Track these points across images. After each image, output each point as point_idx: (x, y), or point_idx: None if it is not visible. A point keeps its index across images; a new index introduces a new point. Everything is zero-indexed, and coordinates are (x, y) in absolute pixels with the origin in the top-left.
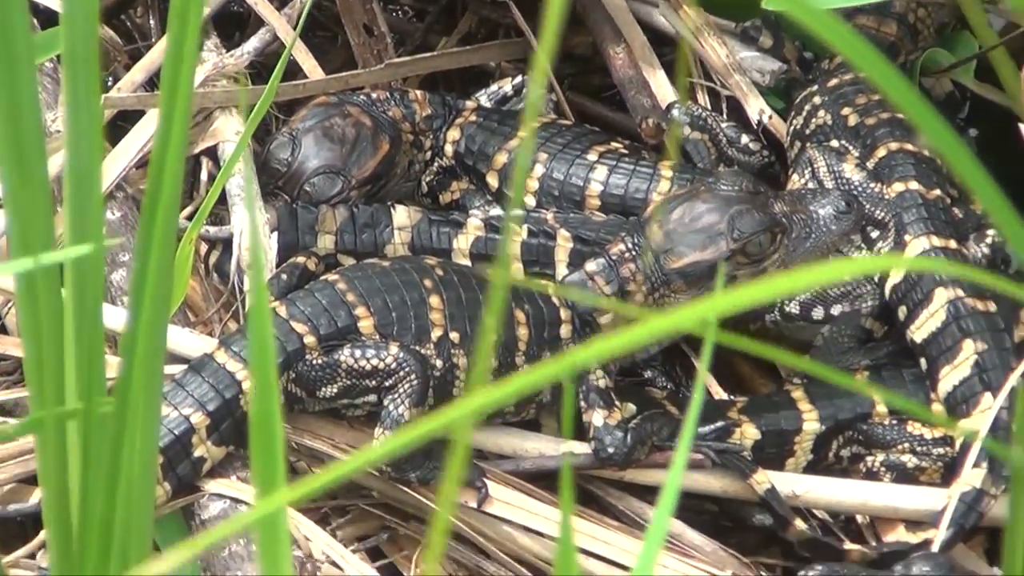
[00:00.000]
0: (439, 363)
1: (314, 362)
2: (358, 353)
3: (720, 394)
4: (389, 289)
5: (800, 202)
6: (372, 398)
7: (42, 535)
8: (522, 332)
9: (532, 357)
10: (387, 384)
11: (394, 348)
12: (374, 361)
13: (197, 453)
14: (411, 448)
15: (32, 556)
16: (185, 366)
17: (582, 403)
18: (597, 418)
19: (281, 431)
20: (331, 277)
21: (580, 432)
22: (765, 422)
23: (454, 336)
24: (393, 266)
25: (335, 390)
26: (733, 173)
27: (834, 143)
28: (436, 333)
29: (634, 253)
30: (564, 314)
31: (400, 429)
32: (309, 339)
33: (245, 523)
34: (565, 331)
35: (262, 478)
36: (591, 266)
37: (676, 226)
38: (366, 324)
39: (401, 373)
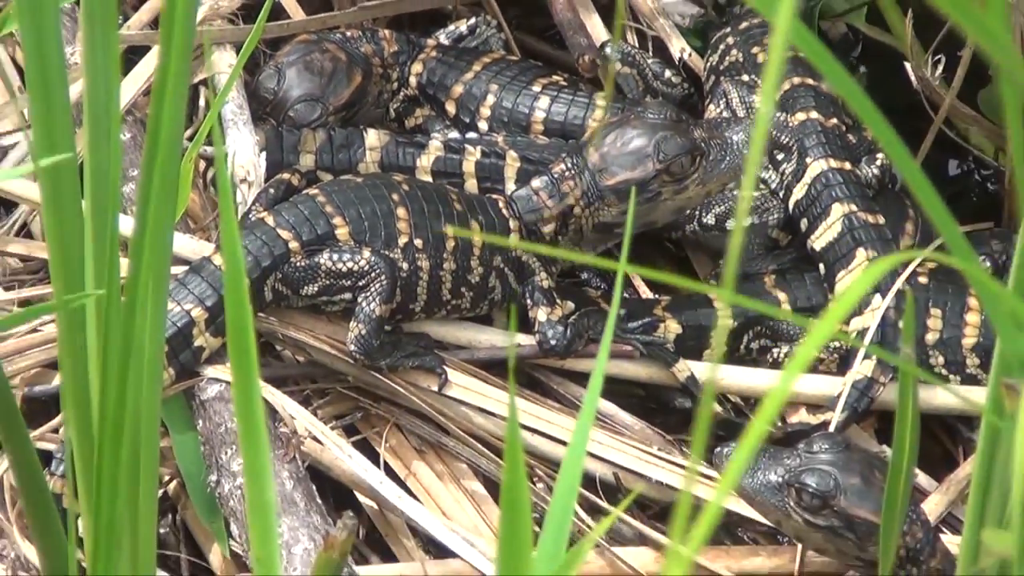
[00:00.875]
0: (405, 265)
1: (298, 264)
2: (336, 256)
3: (646, 293)
4: (362, 201)
5: (716, 129)
6: (347, 296)
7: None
8: (477, 239)
9: (485, 260)
10: (360, 284)
11: (367, 252)
12: (350, 264)
13: (197, 343)
14: (382, 340)
15: (55, 431)
16: (186, 267)
17: (528, 301)
18: (541, 314)
19: (251, 322)
20: (312, 191)
21: (527, 326)
22: (686, 318)
23: (418, 242)
24: (365, 181)
25: (316, 288)
26: (659, 104)
27: (745, 77)
28: (402, 239)
29: (573, 172)
30: (513, 224)
31: (371, 322)
32: (293, 244)
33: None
34: (514, 239)
35: (238, 361)
36: (536, 183)
37: (609, 149)
38: (342, 231)
39: (373, 274)
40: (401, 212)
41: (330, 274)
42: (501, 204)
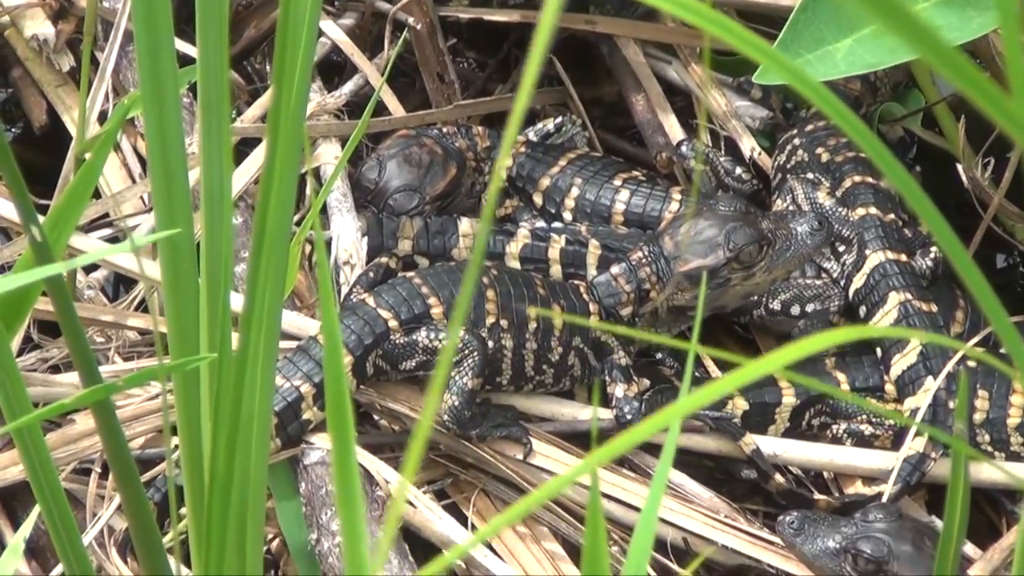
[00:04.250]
0: (491, 343)
1: (397, 341)
2: (432, 335)
3: (716, 373)
4: (455, 284)
5: (782, 220)
6: None
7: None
8: (557, 321)
9: (564, 341)
10: (455, 360)
11: (460, 331)
12: (445, 341)
13: (305, 416)
14: (471, 409)
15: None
16: (295, 344)
17: (606, 377)
18: (619, 390)
19: (347, 395)
20: (408, 274)
21: (604, 400)
22: (752, 396)
23: (504, 323)
24: (458, 266)
25: (413, 364)
26: (729, 197)
27: (810, 176)
28: (490, 320)
29: (650, 259)
30: (593, 307)
31: (463, 394)
32: (392, 323)
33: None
34: (594, 320)
35: (336, 430)
36: (615, 269)
37: (683, 238)
38: (437, 311)
39: (466, 351)
40: (490, 294)
41: (427, 351)
42: (582, 289)
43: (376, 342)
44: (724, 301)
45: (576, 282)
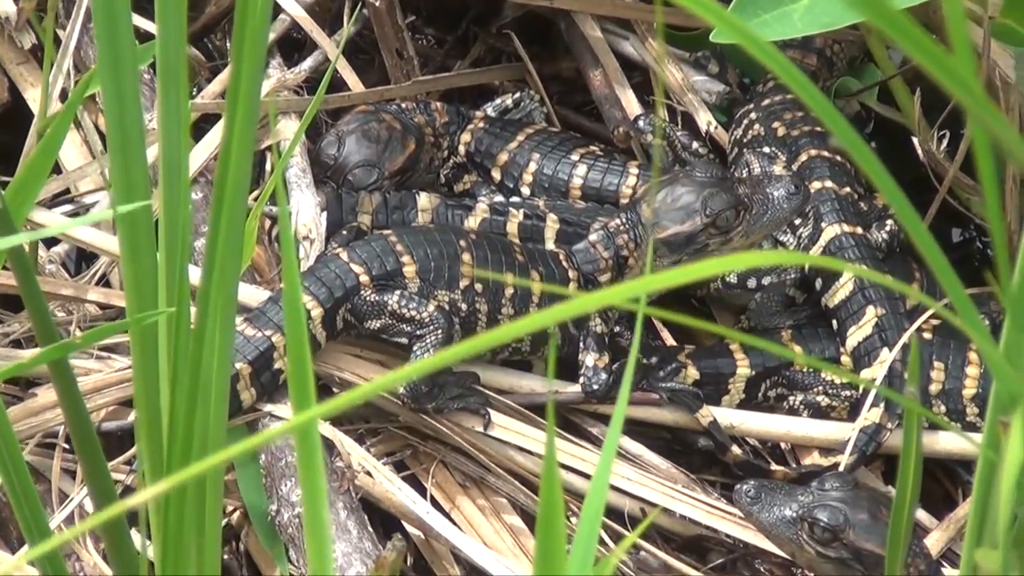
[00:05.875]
0: (464, 306)
1: (367, 298)
2: (403, 302)
3: (671, 342)
4: (430, 244)
5: (759, 185)
6: (404, 340)
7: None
8: (536, 288)
9: (544, 308)
10: (418, 333)
11: (431, 307)
12: (413, 312)
13: (276, 366)
14: (428, 383)
15: (129, 463)
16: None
17: (580, 344)
18: (589, 359)
19: (310, 365)
20: (384, 232)
21: (565, 373)
22: (704, 366)
23: (478, 286)
24: (436, 228)
25: (378, 325)
26: (705, 162)
27: (766, 149)
28: (464, 282)
29: (628, 226)
30: (572, 274)
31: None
32: (363, 278)
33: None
34: (572, 288)
35: (297, 397)
36: (593, 236)
37: (661, 205)
38: (410, 269)
39: (431, 327)
40: (466, 257)
41: (394, 315)
42: (561, 256)
43: (346, 296)
44: None
45: (555, 250)
